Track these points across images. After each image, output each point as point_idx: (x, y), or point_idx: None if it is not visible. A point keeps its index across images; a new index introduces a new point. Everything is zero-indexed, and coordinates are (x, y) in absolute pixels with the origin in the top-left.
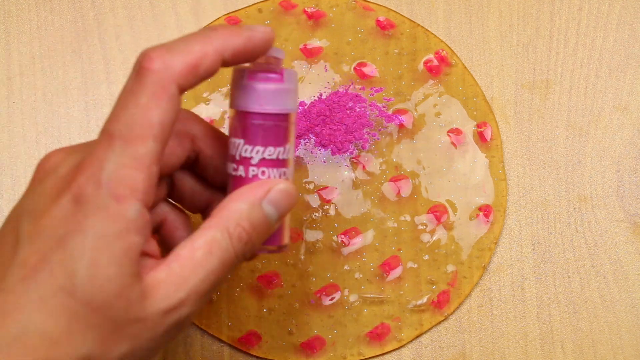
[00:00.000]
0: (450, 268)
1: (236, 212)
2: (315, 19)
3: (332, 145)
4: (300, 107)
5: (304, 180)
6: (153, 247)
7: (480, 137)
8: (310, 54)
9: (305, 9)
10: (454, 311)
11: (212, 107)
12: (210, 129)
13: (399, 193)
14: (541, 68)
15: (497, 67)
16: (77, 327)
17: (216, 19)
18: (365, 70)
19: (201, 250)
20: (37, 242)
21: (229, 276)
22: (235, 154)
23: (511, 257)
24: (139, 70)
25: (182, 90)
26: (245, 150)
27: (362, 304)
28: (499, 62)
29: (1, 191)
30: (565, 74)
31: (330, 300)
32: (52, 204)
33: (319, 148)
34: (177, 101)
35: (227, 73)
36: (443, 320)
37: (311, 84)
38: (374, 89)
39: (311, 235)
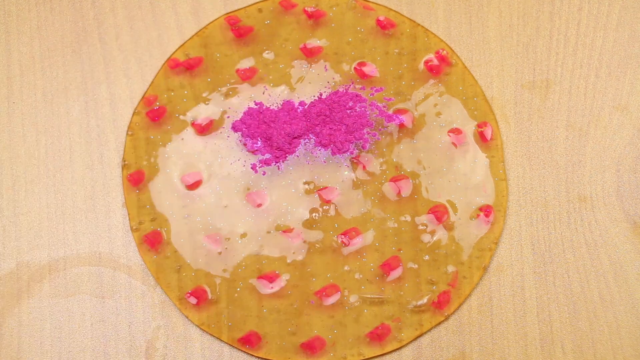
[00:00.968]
0: (451, 268)
1: None
2: (315, 18)
3: (332, 145)
4: (300, 107)
5: (304, 180)
6: None
7: (481, 137)
8: (310, 54)
9: (305, 8)
10: (454, 311)
11: (212, 107)
12: None
13: (399, 193)
14: (541, 68)
15: (497, 67)
16: None
17: (216, 19)
18: (366, 69)
19: None
20: None
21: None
22: None
23: (511, 257)
24: None
25: None
26: None
27: (363, 305)
28: (499, 62)
29: (1, 191)
30: (565, 74)
31: (331, 300)
32: None
33: (319, 148)
34: None
35: (225, 72)
36: (443, 321)
37: (311, 84)
38: (374, 88)
39: (311, 236)
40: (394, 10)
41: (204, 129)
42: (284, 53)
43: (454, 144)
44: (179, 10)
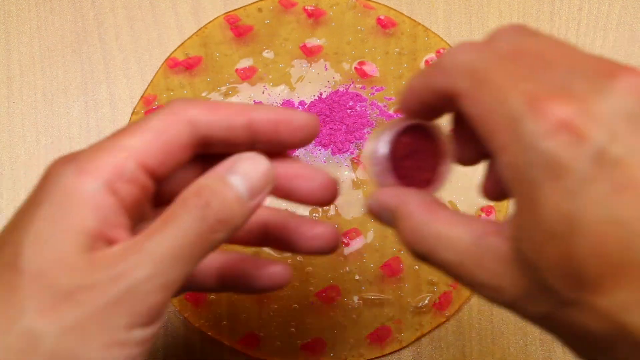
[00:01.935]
0: None
1: (196, 185)
2: (315, 17)
3: (332, 145)
4: (300, 107)
5: None
6: (123, 235)
7: None
8: (310, 53)
9: (305, 7)
10: (455, 312)
11: None
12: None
13: None
14: None
15: None
16: (15, 299)
17: (215, 18)
18: (366, 69)
19: (156, 222)
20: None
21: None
22: None
23: None
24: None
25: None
26: None
27: (363, 306)
28: None
29: (1, 191)
30: None
31: (331, 301)
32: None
33: (319, 148)
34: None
35: (225, 72)
36: (444, 322)
37: (311, 83)
38: (375, 88)
39: None
40: (395, 9)
41: None
42: (283, 52)
43: None
44: (179, 10)
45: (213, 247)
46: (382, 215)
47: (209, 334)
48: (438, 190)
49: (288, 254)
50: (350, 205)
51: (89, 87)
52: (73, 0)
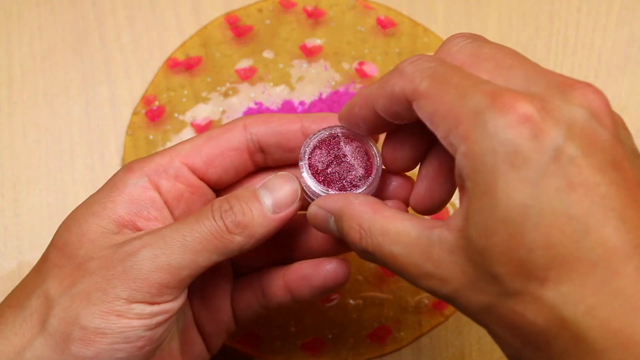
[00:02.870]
0: None
1: (231, 192)
2: (315, 17)
3: None
4: (300, 107)
5: None
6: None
7: None
8: (310, 53)
9: (305, 7)
10: (454, 312)
11: (211, 106)
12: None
13: None
14: None
15: None
16: (43, 267)
17: (215, 19)
18: (366, 69)
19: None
20: None
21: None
22: None
23: None
24: None
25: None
26: None
27: (363, 305)
28: None
29: (2, 191)
30: (565, 74)
31: (331, 300)
32: None
33: None
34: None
35: (225, 72)
36: (443, 321)
37: (311, 84)
38: None
39: None
40: (394, 10)
41: (203, 129)
42: (283, 52)
43: None
44: (179, 10)
45: (232, 248)
46: (325, 220)
47: None
48: (372, 191)
49: None
50: None
51: (90, 87)
52: (74, 0)
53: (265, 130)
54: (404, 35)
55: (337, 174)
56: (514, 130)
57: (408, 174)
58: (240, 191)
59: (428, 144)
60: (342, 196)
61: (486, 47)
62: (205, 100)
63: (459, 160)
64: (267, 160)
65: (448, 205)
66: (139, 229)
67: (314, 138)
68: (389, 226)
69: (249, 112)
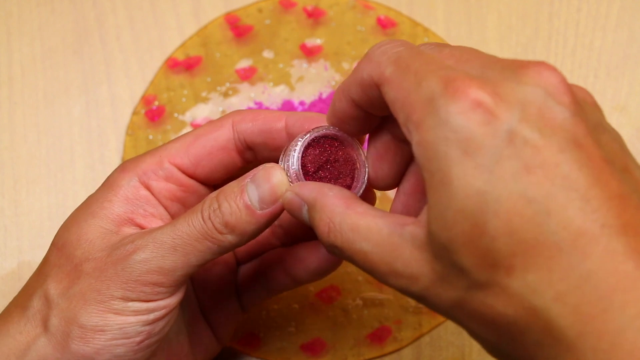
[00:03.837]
0: None
1: (221, 188)
2: (315, 17)
3: None
4: (300, 107)
5: None
6: (158, 224)
7: None
8: (310, 53)
9: (305, 7)
10: None
11: (211, 106)
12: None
13: None
14: None
15: None
16: (43, 268)
17: (215, 18)
18: None
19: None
20: None
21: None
22: None
23: None
24: None
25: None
26: None
27: (363, 306)
28: None
29: (2, 191)
30: (564, 74)
31: (331, 301)
32: None
33: None
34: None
35: (225, 72)
36: (443, 321)
37: (311, 84)
38: None
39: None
40: (394, 10)
41: None
42: (283, 52)
43: None
44: (180, 10)
45: (224, 247)
46: (299, 208)
47: None
48: (359, 195)
49: None
50: None
51: (90, 88)
52: (74, 1)
53: (251, 129)
54: (404, 35)
55: (326, 179)
56: (466, 116)
57: None
58: (229, 187)
59: (409, 159)
60: (317, 186)
61: (446, 49)
62: (205, 100)
63: (414, 150)
64: (258, 157)
65: None
66: (138, 225)
67: (307, 137)
68: (360, 222)
69: None
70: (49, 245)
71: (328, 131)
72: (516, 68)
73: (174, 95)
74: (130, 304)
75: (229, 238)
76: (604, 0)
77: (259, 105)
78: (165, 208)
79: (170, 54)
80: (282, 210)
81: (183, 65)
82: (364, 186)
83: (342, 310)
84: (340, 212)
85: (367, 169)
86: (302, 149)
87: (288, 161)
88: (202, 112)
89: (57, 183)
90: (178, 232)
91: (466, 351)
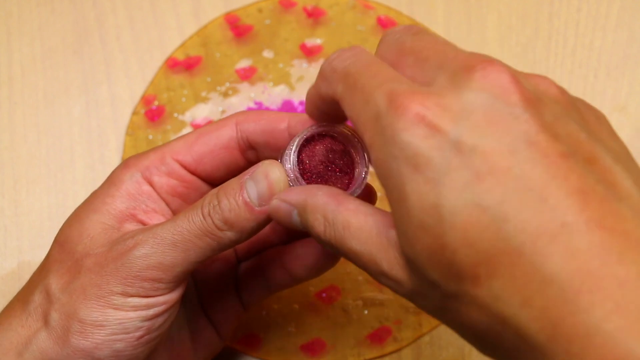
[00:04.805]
0: None
1: (222, 185)
2: (315, 17)
3: None
4: (300, 107)
5: None
6: (160, 219)
7: None
8: (310, 53)
9: (305, 7)
10: None
11: (211, 106)
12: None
13: None
14: (540, 69)
15: None
16: (46, 263)
17: (215, 18)
18: None
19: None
20: None
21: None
22: None
23: None
24: None
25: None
26: None
27: (362, 306)
28: None
29: (2, 191)
30: (564, 74)
31: (331, 301)
32: None
33: None
34: None
35: (225, 72)
36: None
37: (311, 83)
38: None
39: None
40: (394, 9)
41: None
42: (283, 52)
43: None
44: (180, 10)
45: (224, 244)
46: (288, 214)
47: None
48: (357, 193)
49: None
50: None
51: (90, 88)
52: (74, 1)
53: (254, 128)
54: None
55: (324, 177)
56: (410, 132)
57: None
58: (229, 183)
59: None
60: (304, 189)
61: (408, 41)
62: (205, 100)
63: (374, 168)
64: (260, 157)
65: None
66: (139, 221)
67: (303, 134)
68: (351, 220)
69: None
70: (49, 245)
71: (324, 128)
72: (465, 71)
73: (173, 95)
74: (129, 299)
75: (229, 235)
76: (604, 0)
77: (259, 105)
78: (167, 204)
79: (170, 54)
80: None
81: (183, 65)
82: (364, 183)
83: (342, 311)
84: (332, 210)
85: (367, 167)
86: (299, 147)
87: (285, 159)
88: (202, 112)
89: (57, 183)
90: (178, 228)
91: (466, 351)
